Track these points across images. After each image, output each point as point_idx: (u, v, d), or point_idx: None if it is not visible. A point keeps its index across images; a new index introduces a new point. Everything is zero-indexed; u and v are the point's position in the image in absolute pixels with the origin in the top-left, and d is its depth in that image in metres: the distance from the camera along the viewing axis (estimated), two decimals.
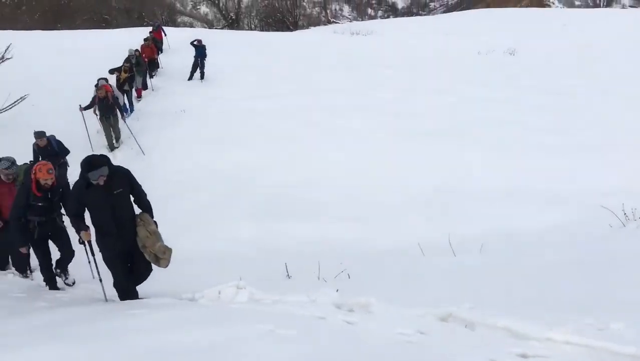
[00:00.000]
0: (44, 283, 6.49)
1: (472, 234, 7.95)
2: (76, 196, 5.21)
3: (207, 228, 8.51)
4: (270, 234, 8.42)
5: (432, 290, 5.08)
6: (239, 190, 10.20)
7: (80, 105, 12.74)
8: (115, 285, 5.48)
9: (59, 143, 9.92)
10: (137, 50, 17.75)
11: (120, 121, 13.26)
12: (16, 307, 5.22)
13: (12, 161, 6.59)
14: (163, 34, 24.06)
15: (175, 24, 58.86)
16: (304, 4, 76.80)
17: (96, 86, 12.97)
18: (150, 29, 25.08)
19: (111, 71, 15.35)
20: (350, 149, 11.59)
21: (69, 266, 6.59)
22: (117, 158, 12.52)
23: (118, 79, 15.30)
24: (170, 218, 5.99)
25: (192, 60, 19.23)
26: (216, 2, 60.81)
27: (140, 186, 5.47)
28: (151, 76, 19.11)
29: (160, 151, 12.43)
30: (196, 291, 4.88)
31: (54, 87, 16.91)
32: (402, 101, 15.18)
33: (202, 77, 19.17)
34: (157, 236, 5.31)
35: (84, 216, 5.29)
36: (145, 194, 5.51)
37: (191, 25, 63.77)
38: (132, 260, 5.44)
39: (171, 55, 22.68)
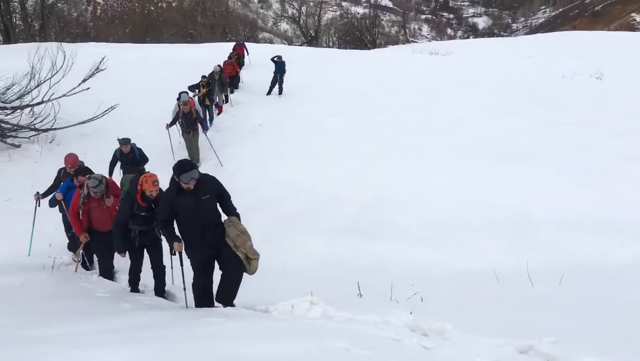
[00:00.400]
0: (128, 285, 6.86)
1: (549, 263, 7.63)
2: (167, 202, 5.41)
3: (281, 242, 8.61)
4: (343, 251, 8.42)
5: (509, 320, 4.90)
6: (315, 206, 10.28)
7: (167, 124, 13.13)
8: (194, 290, 5.64)
9: (140, 151, 10.56)
10: (219, 65, 18.21)
11: (201, 136, 13.58)
12: (98, 307, 5.46)
13: (100, 179, 6.89)
14: (245, 50, 24.69)
15: (256, 39, 60.47)
16: (383, 22, 77.10)
17: (178, 99, 13.34)
18: (233, 44, 25.89)
19: (191, 88, 15.68)
20: (425, 170, 11.45)
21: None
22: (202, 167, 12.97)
23: (197, 95, 15.65)
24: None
25: (271, 75, 19.67)
26: (297, 19, 61.88)
27: (227, 192, 5.67)
28: (232, 91, 19.64)
29: (238, 164, 12.73)
30: (270, 303, 4.93)
31: (141, 97, 17.72)
32: (481, 123, 14.87)
33: (280, 92, 19.56)
34: (248, 236, 5.45)
35: (173, 223, 5.50)
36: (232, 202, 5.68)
37: (271, 42, 65.40)
38: (222, 266, 5.56)
39: (251, 71, 23.27)
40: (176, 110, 13.21)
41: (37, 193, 8.34)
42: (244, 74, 22.07)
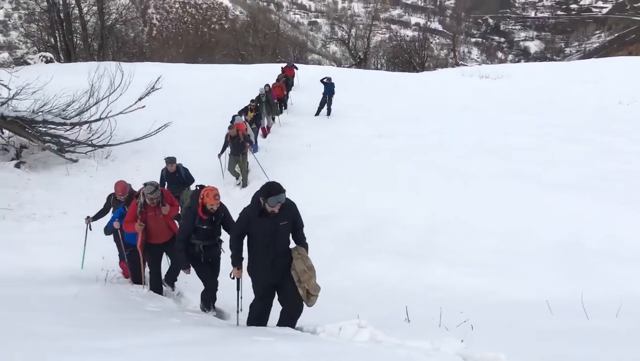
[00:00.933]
0: (201, 308, 6.92)
1: (605, 295, 7.35)
2: (245, 222, 5.36)
3: (330, 263, 8.58)
4: (391, 274, 8.33)
5: (566, 353, 4.73)
6: (363, 228, 10.23)
7: (218, 154, 13.46)
8: (251, 309, 5.66)
9: (186, 171, 10.62)
10: (267, 85, 18.31)
11: (250, 157, 13.79)
12: (149, 321, 5.54)
13: (156, 186, 6.95)
14: (295, 69, 24.88)
15: (305, 61, 61.22)
16: (432, 45, 76.92)
17: (232, 122, 13.65)
18: (283, 65, 26.23)
19: (240, 113, 15.81)
20: (475, 195, 11.27)
21: None
22: (243, 190, 13.15)
23: (246, 119, 15.70)
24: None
25: (320, 97, 19.83)
26: (346, 41, 62.37)
27: (302, 220, 5.63)
28: (280, 113, 19.67)
29: (286, 183, 12.76)
30: (317, 325, 4.90)
31: (193, 115, 18.13)
32: (533, 148, 14.57)
33: (328, 113, 19.67)
34: (314, 273, 5.36)
35: (243, 241, 5.52)
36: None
37: (319, 63, 66.07)
38: (282, 300, 5.50)
39: (300, 92, 23.52)
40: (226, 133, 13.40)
41: (88, 217, 8.48)
42: (292, 95, 22.21)
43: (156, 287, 7.46)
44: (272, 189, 5.16)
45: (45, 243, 9.46)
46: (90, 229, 8.53)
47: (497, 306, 7.16)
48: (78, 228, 10.13)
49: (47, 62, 32.96)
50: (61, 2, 38.87)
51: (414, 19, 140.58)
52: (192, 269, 6.71)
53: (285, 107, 20.91)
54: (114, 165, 13.98)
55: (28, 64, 30.34)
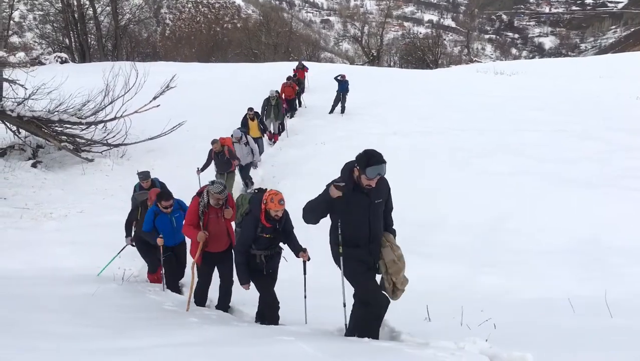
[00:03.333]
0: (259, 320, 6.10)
1: (628, 294, 7.21)
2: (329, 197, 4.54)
3: None
4: (410, 273, 8.23)
5: (590, 354, 4.62)
6: None
7: (197, 168, 11.82)
8: (366, 298, 4.70)
9: (163, 185, 9.00)
10: (277, 91, 17.25)
11: (237, 177, 12.52)
12: (167, 320, 5.52)
13: (225, 185, 6.39)
14: (305, 72, 24.35)
15: (318, 59, 61.24)
16: (445, 42, 76.67)
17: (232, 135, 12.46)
18: (295, 64, 26.08)
19: (242, 130, 13.18)
20: (494, 192, 11.15)
21: None
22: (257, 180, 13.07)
23: (247, 127, 14.22)
24: (311, 250, 6.03)
25: (332, 95, 19.76)
26: (359, 39, 62.32)
27: (392, 203, 4.96)
28: (291, 116, 19.34)
29: (300, 182, 12.70)
30: (337, 323, 4.84)
31: (207, 114, 18.16)
32: (549, 145, 14.39)
33: (342, 111, 19.60)
34: (404, 263, 4.75)
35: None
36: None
37: (332, 61, 66.07)
38: None
39: (313, 91, 23.47)
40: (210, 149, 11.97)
41: (130, 238, 8.13)
42: (304, 97, 21.92)
43: (201, 298, 6.74)
44: (372, 157, 4.41)
45: (62, 243, 9.50)
46: (133, 245, 8.17)
47: (518, 304, 7.05)
48: (95, 226, 10.20)
49: (61, 62, 33.27)
50: (75, 3, 39.19)
51: (427, 16, 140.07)
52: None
53: (296, 110, 20.42)
54: (129, 164, 14.03)
55: (43, 64, 30.56)
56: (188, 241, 6.90)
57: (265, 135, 14.85)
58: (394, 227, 5.03)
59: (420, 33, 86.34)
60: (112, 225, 9.45)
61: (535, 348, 4.21)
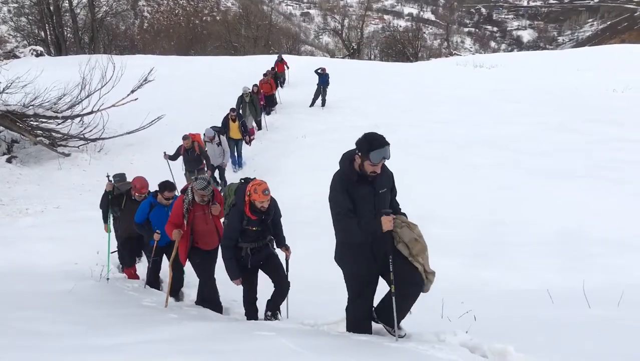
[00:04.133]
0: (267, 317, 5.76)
1: (606, 284, 7.29)
2: (344, 188, 4.10)
3: (325, 256, 8.45)
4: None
5: (569, 344, 4.65)
6: None
7: (165, 152, 11.51)
8: (350, 312, 4.43)
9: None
10: (255, 85, 17.06)
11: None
12: (147, 316, 5.44)
13: (208, 181, 5.94)
14: (286, 67, 24.16)
15: (298, 52, 61.02)
16: (425, 35, 76.85)
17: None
18: (276, 56, 25.92)
19: (220, 130, 12.66)
20: (473, 185, 11.20)
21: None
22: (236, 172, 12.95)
23: (227, 128, 13.63)
24: (294, 245, 5.99)
25: (313, 89, 19.70)
26: (339, 32, 62.25)
27: (396, 188, 4.59)
28: (268, 113, 18.81)
29: (281, 176, 12.66)
30: (319, 318, 4.81)
31: (186, 108, 18.00)
32: (529, 137, 14.51)
33: (323, 104, 19.59)
34: (424, 242, 4.24)
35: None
36: None
37: (312, 54, 65.91)
38: (396, 283, 4.15)
39: (293, 85, 23.39)
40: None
41: (118, 251, 8.04)
42: (283, 92, 21.69)
43: (216, 304, 6.24)
44: (374, 140, 3.98)
45: (38, 239, 9.34)
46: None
47: (498, 296, 7.09)
48: (72, 222, 10.05)
49: (37, 55, 32.68)
50: None
51: (406, 9, 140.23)
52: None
53: (274, 107, 19.99)
54: (107, 159, 13.87)
55: (18, 57, 30.03)
56: None
57: (245, 139, 14.04)
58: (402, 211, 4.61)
59: (400, 26, 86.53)
60: (90, 221, 9.33)
61: (515, 340, 4.23)
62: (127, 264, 7.91)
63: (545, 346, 4.46)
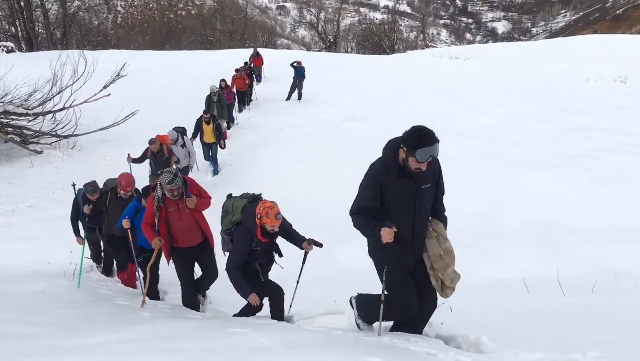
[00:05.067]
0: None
1: (580, 272, 7.38)
2: (378, 182, 3.86)
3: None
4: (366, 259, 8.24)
5: (545, 332, 4.71)
6: (341, 214, 10.10)
7: (129, 154, 11.08)
8: (401, 309, 4.07)
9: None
10: (223, 80, 16.14)
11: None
12: (120, 315, 5.36)
13: (174, 173, 5.55)
14: (261, 63, 23.71)
15: (274, 46, 60.73)
16: (401, 27, 77.02)
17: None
18: (251, 50, 25.67)
19: (182, 131, 11.86)
20: (449, 176, 11.23)
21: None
22: (214, 178, 12.83)
23: (201, 131, 12.97)
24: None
25: (289, 83, 19.63)
26: (315, 25, 62.13)
27: (443, 184, 4.26)
28: (240, 110, 18.43)
29: (259, 170, 12.58)
30: (295, 313, 4.78)
31: (161, 103, 17.81)
32: (503, 128, 14.62)
33: (299, 97, 19.53)
34: (452, 258, 4.11)
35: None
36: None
37: (289, 48, 65.65)
38: (384, 288, 4.08)
39: (269, 79, 23.28)
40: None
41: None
42: (259, 87, 21.49)
43: (191, 303, 5.99)
44: (423, 138, 3.66)
45: (9, 238, 9.20)
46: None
47: (474, 287, 7.10)
48: (45, 221, 9.88)
49: (7, 51, 32.00)
50: None
51: (382, 1, 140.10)
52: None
53: (248, 104, 19.57)
54: (80, 155, 13.66)
55: None
56: None
57: (220, 144, 13.26)
58: (446, 213, 4.33)
59: (377, 19, 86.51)
60: (62, 219, 9.12)
61: (490, 330, 4.26)
62: (120, 267, 7.46)
63: (521, 336, 4.51)
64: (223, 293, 6.13)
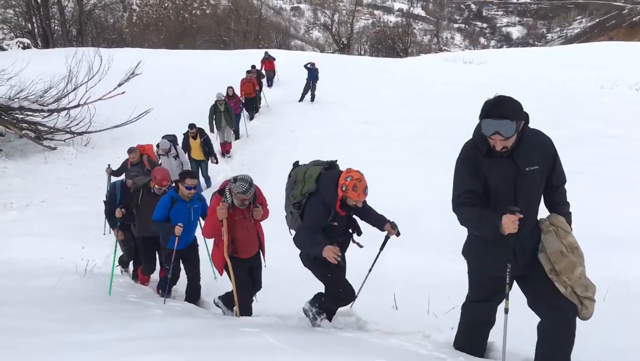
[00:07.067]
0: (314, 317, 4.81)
1: (593, 280, 7.31)
2: (471, 162, 3.23)
3: None
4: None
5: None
6: None
7: (109, 165, 9.91)
8: (466, 315, 3.78)
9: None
10: (230, 87, 15.44)
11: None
12: (132, 312, 5.39)
13: (250, 182, 5.05)
14: (273, 65, 23.10)
15: (288, 47, 60.87)
16: (415, 31, 76.91)
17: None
18: (264, 51, 25.62)
19: (175, 140, 10.94)
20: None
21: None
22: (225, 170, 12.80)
23: (187, 147, 11.88)
24: (279, 238, 5.93)
25: (302, 84, 19.65)
26: (329, 27, 62.17)
27: (562, 166, 3.48)
28: (251, 118, 17.75)
29: (270, 170, 12.58)
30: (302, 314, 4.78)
31: (174, 102, 17.87)
32: None
33: (312, 99, 19.55)
34: (580, 256, 3.31)
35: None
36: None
37: (302, 49, 65.75)
38: (530, 297, 3.55)
39: (282, 84, 23.28)
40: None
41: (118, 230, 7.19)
42: (269, 92, 21.02)
43: (249, 310, 5.45)
44: (493, 107, 3.07)
45: (23, 233, 9.24)
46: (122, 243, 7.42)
47: None
48: (58, 216, 9.94)
49: (24, 48, 32.37)
50: None
51: (397, 5, 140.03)
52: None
53: (257, 110, 18.54)
54: (93, 152, 13.76)
55: (4, 50, 29.68)
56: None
57: (210, 159, 12.16)
58: (569, 208, 3.54)
59: (391, 22, 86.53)
60: (75, 215, 9.25)
61: (499, 336, 4.23)
62: (146, 271, 7.21)
63: (530, 342, 4.47)
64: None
